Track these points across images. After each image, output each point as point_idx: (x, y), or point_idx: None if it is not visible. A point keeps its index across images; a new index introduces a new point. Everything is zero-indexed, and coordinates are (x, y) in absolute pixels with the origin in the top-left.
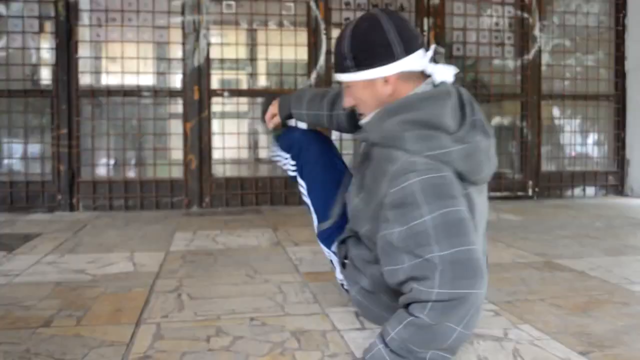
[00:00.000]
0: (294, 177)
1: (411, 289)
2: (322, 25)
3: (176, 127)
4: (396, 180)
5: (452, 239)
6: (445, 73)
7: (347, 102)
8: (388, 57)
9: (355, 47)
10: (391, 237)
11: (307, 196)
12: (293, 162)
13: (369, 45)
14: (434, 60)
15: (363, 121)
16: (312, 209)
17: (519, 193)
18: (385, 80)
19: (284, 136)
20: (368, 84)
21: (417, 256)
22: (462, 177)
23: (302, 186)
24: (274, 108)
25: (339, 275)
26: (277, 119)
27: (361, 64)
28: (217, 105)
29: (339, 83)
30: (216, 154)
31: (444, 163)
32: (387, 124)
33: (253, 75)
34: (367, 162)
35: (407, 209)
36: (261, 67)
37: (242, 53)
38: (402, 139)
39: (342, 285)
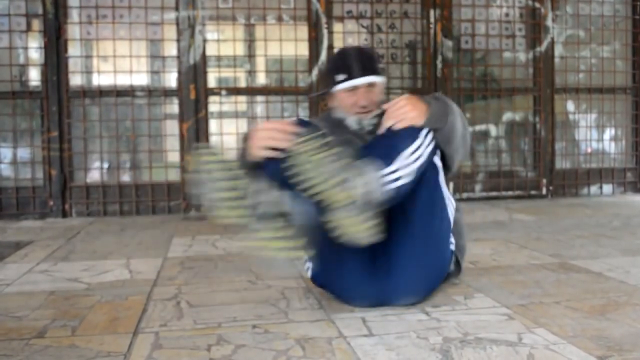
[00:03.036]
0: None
1: None
2: (323, 19)
3: (172, 128)
4: None
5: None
6: None
7: (365, 101)
8: None
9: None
10: None
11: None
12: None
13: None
14: None
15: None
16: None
17: (533, 192)
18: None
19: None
20: (381, 86)
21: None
22: None
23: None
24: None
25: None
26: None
27: (382, 71)
28: (214, 104)
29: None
30: None
31: None
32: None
33: (252, 72)
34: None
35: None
36: (260, 64)
37: (240, 49)
38: None
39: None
